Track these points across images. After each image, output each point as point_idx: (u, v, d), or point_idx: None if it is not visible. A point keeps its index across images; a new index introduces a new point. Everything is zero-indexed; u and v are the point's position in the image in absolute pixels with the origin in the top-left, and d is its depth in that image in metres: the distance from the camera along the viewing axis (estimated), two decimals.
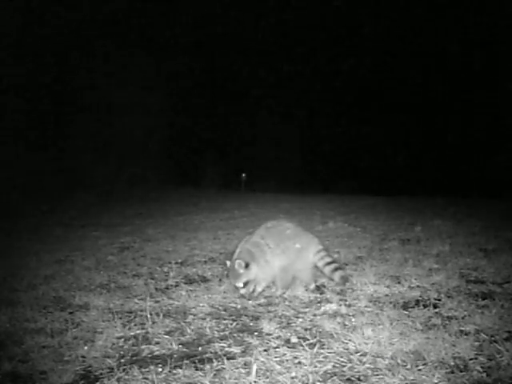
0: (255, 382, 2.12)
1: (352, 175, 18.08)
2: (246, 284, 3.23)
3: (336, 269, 3.43)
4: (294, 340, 2.57)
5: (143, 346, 2.55)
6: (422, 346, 2.39)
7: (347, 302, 3.21)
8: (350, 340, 2.52)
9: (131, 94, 17.07)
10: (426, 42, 18.84)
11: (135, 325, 2.88)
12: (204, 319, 2.94)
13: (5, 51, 15.00)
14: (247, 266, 3.19)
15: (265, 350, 2.44)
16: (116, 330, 2.77)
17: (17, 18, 15.67)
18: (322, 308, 3.09)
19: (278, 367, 2.24)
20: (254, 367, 2.19)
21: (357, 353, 2.37)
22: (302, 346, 2.48)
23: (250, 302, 3.28)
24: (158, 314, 2.96)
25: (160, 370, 2.26)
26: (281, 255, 3.35)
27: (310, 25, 20.52)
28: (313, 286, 3.48)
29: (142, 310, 3.08)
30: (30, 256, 4.96)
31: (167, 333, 2.73)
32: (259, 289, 3.35)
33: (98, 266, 4.52)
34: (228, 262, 3.33)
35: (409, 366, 2.18)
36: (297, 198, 12.07)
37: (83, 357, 2.43)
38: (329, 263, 3.43)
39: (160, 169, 17.96)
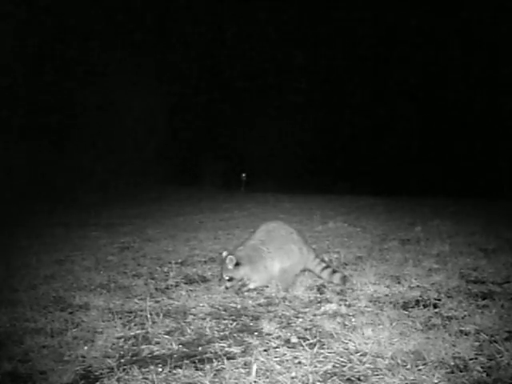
0: (255, 382, 2.11)
1: (352, 175, 18.06)
2: (230, 280, 3.31)
3: (334, 271, 3.57)
4: (294, 340, 2.57)
5: (143, 346, 2.55)
6: (422, 345, 2.39)
7: (347, 302, 3.21)
8: (350, 340, 2.52)
9: (131, 94, 17.07)
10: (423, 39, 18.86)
11: (135, 325, 2.88)
12: (204, 319, 2.94)
13: (6, 50, 15.01)
14: (237, 264, 3.28)
15: (265, 350, 2.44)
16: (116, 329, 2.77)
17: (16, 17, 15.69)
18: (322, 308, 3.10)
19: (278, 367, 2.24)
20: (254, 367, 2.19)
21: (357, 353, 2.37)
22: (302, 345, 2.48)
23: (250, 302, 3.29)
24: (158, 314, 2.96)
25: (160, 370, 2.26)
26: (282, 258, 3.45)
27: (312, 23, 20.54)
28: (287, 293, 3.45)
29: (141, 310, 3.08)
30: (29, 256, 4.95)
31: (167, 333, 2.73)
32: (251, 286, 3.44)
33: (98, 266, 4.52)
34: (224, 253, 3.40)
35: (409, 366, 2.18)
36: (297, 198, 12.05)
37: (83, 357, 2.43)
38: (325, 267, 3.57)
39: (160, 169, 17.95)
